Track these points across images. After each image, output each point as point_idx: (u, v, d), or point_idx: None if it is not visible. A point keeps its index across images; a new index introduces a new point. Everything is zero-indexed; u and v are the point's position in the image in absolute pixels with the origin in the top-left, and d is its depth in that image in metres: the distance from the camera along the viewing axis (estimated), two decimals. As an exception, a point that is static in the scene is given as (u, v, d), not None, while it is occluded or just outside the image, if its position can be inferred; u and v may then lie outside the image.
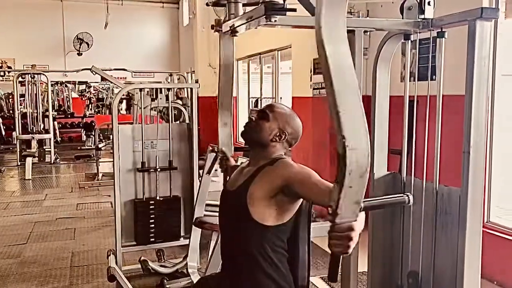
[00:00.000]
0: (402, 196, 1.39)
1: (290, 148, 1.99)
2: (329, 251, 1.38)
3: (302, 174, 1.74)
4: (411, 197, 1.41)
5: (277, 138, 1.90)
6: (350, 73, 1.22)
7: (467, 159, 2.02)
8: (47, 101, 10.61)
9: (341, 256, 1.37)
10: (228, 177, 2.47)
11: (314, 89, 5.82)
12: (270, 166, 1.85)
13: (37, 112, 10.20)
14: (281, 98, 7.96)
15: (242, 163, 2.09)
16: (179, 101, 8.75)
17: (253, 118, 1.95)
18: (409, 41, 2.37)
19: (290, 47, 7.00)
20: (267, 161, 1.88)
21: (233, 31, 2.14)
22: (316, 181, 1.69)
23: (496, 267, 3.68)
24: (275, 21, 1.82)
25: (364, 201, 1.29)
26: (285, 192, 1.75)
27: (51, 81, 11.44)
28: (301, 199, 1.82)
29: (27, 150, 9.78)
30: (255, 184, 1.82)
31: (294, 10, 1.83)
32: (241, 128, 2.03)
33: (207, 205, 3.44)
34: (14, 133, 10.74)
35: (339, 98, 1.21)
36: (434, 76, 2.27)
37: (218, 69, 2.73)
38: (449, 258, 2.18)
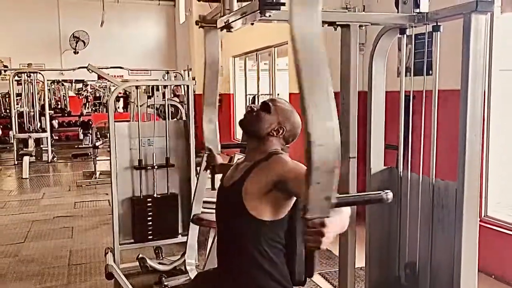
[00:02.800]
0: (379, 193, 1.37)
1: (287, 145, 1.99)
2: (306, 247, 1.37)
3: (295, 171, 1.73)
4: (390, 194, 1.39)
5: (275, 133, 1.90)
6: (320, 68, 1.21)
7: (463, 153, 2.02)
8: (44, 99, 10.58)
9: (315, 251, 1.38)
10: (214, 176, 2.45)
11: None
12: (265, 161, 1.85)
13: (33, 111, 10.18)
14: (278, 94, 7.95)
15: (238, 159, 2.09)
16: (176, 99, 8.75)
17: (255, 108, 1.95)
18: (405, 35, 2.37)
19: (287, 43, 6.99)
20: (262, 156, 1.87)
21: (228, 27, 2.13)
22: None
23: (494, 261, 3.69)
24: (270, 16, 1.81)
25: (339, 197, 1.29)
26: (278, 188, 1.75)
27: (48, 80, 11.40)
28: None
29: (24, 149, 9.76)
30: (250, 180, 1.82)
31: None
32: (238, 126, 2.03)
33: (205, 202, 3.43)
34: (11, 132, 10.71)
35: (307, 93, 1.20)
36: (430, 71, 2.28)
37: (204, 65, 2.70)
38: (446, 253, 2.19)
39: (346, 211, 1.46)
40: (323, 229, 1.30)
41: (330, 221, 1.31)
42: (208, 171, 2.67)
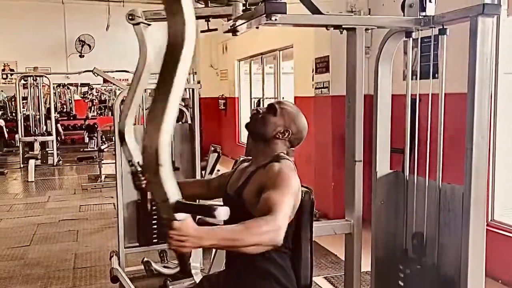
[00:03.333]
0: (212, 205, 1.32)
1: (292, 148, 1.97)
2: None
3: (273, 183, 1.69)
4: (222, 210, 1.33)
5: (280, 135, 1.89)
6: (168, 71, 1.23)
7: (470, 157, 2.01)
8: (50, 103, 10.63)
9: (181, 252, 1.42)
10: (145, 196, 2.30)
11: (316, 88, 5.81)
12: (262, 169, 1.82)
13: (39, 115, 10.22)
14: (283, 98, 7.95)
15: (243, 160, 2.07)
16: (182, 102, 8.76)
17: (261, 110, 1.94)
18: (411, 39, 2.36)
19: (292, 47, 7.00)
20: (268, 159, 1.86)
21: (234, 30, 2.13)
22: (274, 195, 1.63)
23: (501, 265, 3.66)
24: (276, 20, 1.81)
25: (177, 202, 1.30)
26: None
27: (53, 83, 11.46)
28: (297, 202, 1.79)
29: (30, 152, 9.80)
30: (248, 188, 1.81)
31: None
32: (243, 129, 2.01)
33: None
34: (17, 135, 10.76)
35: (154, 94, 1.25)
36: (436, 74, 2.27)
37: (140, 64, 2.44)
38: (453, 257, 2.17)
39: (249, 231, 1.49)
40: (172, 231, 1.33)
41: (176, 224, 1.33)
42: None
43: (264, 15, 1.80)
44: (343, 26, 2.27)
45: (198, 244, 1.40)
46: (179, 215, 1.33)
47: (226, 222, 1.97)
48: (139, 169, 1.98)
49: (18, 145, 10.42)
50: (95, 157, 8.86)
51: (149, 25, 2.18)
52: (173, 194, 1.30)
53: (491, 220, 3.87)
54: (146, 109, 5.41)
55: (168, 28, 1.23)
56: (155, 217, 3.87)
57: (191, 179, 2.62)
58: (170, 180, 1.28)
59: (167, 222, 1.34)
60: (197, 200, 2.25)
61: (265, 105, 2.00)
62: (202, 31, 2.42)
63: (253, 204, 1.73)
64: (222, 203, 2.00)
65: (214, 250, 3.40)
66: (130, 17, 2.18)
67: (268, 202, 1.61)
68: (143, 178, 1.99)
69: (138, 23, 2.21)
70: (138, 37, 2.31)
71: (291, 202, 1.68)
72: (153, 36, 2.35)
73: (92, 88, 14.72)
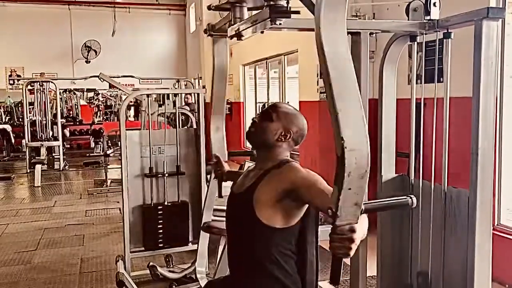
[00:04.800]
0: (405, 198, 1.38)
1: (296, 147, 1.98)
2: (333, 254, 1.37)
3: (309, 180, 1.72)
4: (414, 199, 1.40)
5: (283, 138, 1.89)
6: (349, 74, 1.22)
7: (475, 161, 2.00)
8: (56, 108, 10.69)
9: (343, 259, 1.39)
10: (221, 184, 2.44)
11: (321, 93, 5.81)
12: (276, 169, 1.83)
13: (46, 120, 10.28)
14: (288, 102, 7.95)
15: (249, 166, 2.08)
16: (187, 107, 8.79)
17: (256, 120, 1.94)
18: (415, 43, 2.36)
19: (297, 51, 7.01)
20: (274, 163, 1.86)
21: (238, 35, 2.15)
22: (323, 187, 1.67)
23: (508, 270, 3.64)
24: (280, 24, 1.82)
25: (365, 203, 1.29)
26: (291, 196, 1.74)
27: (60, 89, 11.52)
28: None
29: (36, 158, 9.84)
30: (261, 188, 1.81)
31: (298, 12, 1.83)
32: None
33: (215, 210, 3.43)
34: (23, 140, 10.82)
35: (338, 100, 1.21)
36: (441, 78, 2.26)
37: (212, 73, 2.72)
38: (459, 261, 2.16)
39: (365, 218, 1.46)
40: (352, 235, 1.30)
41: (357, 227, 1.31)
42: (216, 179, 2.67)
43: (269, 19, 1.81)
44: (347, 30, 2.28)
45: (357, 244, 1.37)
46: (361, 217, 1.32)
47: (228, 219, 1.99)
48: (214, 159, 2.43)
49: (25, 150, 10.48)
50: (101, 162, 8.91)
51: (230, 38, 2.36)
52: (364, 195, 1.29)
53: (497, 225, 3.85)
54: (151, 114, 5.44)
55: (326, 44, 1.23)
56: (161, 221, 3.89)
57: (235, 170, 2.68)
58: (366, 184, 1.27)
59: (344, 228, 1.30)
60: None
61: (265, 108, 2.01)
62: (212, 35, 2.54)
63: (267, 202, 1.76)
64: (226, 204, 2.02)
65: (219, 254, 3.40)
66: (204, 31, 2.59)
67: (323, 194, 1.61)
68: (218, 169, 2.43)
69: (211, 35, 2.47)
70: (213, 49, 2.62)
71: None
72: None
73: (98, 94, 14.78)
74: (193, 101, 10.03)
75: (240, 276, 1.90)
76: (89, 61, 14.71)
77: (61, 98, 12.47)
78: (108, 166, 8.31)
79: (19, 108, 13.08)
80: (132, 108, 13.93)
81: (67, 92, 14.16)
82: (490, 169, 2.04)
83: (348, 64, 1.22)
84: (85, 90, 14.36)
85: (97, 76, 8.48)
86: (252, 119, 1.97)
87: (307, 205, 1.81)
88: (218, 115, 2.72)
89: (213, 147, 2.65)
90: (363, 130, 1.22)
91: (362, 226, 1.37)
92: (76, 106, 14.62)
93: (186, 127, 4.92)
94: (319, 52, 1.21)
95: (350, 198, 1.26)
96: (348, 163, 1.22)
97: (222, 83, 2.71)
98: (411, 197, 1.39)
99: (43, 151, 9.98)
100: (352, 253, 1.32)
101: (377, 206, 1.33)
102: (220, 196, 3.02)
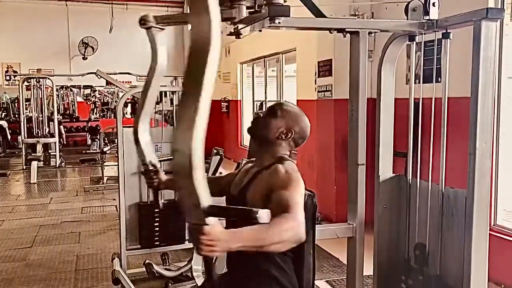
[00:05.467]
0: (251, 209, 1.31)
1: (296, 148, 1.97)
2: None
3: (283, 183, 1.69)
4: (263, 213, 1.32)
5: (283, 136, 1.89)
6: (197, 73, 1.20)
7: (473, 161, 2.01)
8: (52, 105, 10.66)
9: (210, 257, 1.40)
10: (157, 193, 2.27)
11: (318, 92, 5.81)
12: (266, 170, 1.83)
13: (42, 116, 10.24)
14: (286, 101, 7.94)
15: (246, 163, 2.07)
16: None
17: (261, 114, 1.94)
18: (414, 42, 2.36)
19: (295, 50, 7.00)
20: (271, 161, 1.86)
21: (237, 33, 2.14)
22: (287, 194, 1.63)
23: (504, 270, 3.65)
24: (279, 23, 1.81)
25: (210, 206, 1.28)
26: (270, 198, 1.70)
27: (57, 85, 11.48)
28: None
29: (33, 154, 9.82)
30: (251, 189, 1.82)
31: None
32: (245, 132, 2.02)
33: (212, 208, 3.42)
34: (19, 137, 10.79)
35: (182, 97, 1.23)
36: (439, 78, 2.26)
37: (150, 68, 2.44)
38: (456, 261, 2.16)
39: (277, 230, 1.46)
40: (202, 237, 1.30)
41: (207, 229, 1.30)
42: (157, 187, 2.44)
43: (268, 18, 1.80)
44: (346, 30, 2.28)
45: (227, 247, 1.37)
46: (209, 220, 1.30)
47: (227, 222, 1.98)
48: (151, 168, 2.10)
49: (21, 146, 10.45)
50: (97, 159, 8.88)
51: (162, 29, 2.19)
52: (206, 198, 1.28)
53: (494, 225, 3.86)
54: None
55: (192, 29, 1.20)
56: (158, 219, 3.87)
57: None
58: (202, 184, 1.26)
59: (196, 227, 1.31)
60: None
61: (266, 107, 2.01)
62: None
63: (256, 204, 1.73)
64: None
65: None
66: (142, 22, 2.19)
67: (282, 201, 1.61)
68: (155, 177, 2.12)
69: (149, 27, 2.21)
70: (150, 41, 2.35)
71: (302, 200, 1.68)
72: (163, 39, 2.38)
73: (95, 90, 14.76)
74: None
75: (236, 274, 1.90)
76: (86, 58, 14.65)
77: (57, 95, 12.44)
78: (105, 163, 8.29)
79: (16, 104, 13.03)
80: (129, 105, 13.89)
81: (64, 89, 14.12)
82: (487, 169, 2.04)
83: (201, 69, 1.18)
84: (82, 86, 14.34)
85: (94, 73, 8.46)
86: (257, 113, 1.97)
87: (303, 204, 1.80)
88: (147, 115, 2.36)
89: (143, 153, 2.18)
90: (189, 128, 1.19)
91: (236, 232, 1.39)
92: (73, 103, 14.59)
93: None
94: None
95: (186, 198, 1.27)
96: (173, 162, 1.24)
97: (157, 80, 2.42)
98: (257, 211, 1.32)
99: (39, 147, 9.95)
100: (207, 253, 1.33)
101: (217, 211, 1.29)
102: (156, 204, 2.78)
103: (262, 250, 1.49)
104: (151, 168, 2.14)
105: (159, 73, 2.33)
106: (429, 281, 2.29)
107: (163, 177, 2.22)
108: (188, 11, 1.21)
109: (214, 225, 1.33)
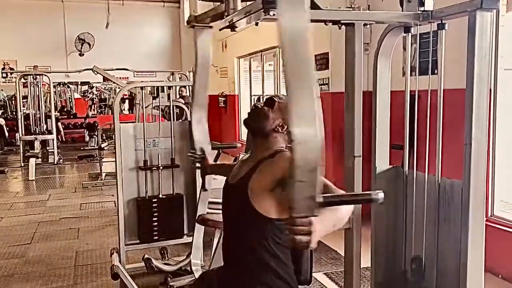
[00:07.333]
0: (369, 193, 1.34)
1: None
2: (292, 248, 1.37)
3: None
4: (381, 194, 1.36)
5: (279, 128, 1.89)
6: (305, 67, 1.20)
7: (469, 152, 2.01)
8: (50, 102, 10.63)
9: (307, 251, 1.38)
10: (205, 177, 2.42)
11: (315, 85, 5.81)
12: (270, 159, 1.84)
13: (39, 113, 10.22)
14: (283, 95, 7.94)
15: (242, 156, 2.09)
16: (181, 100, 8.76)
17: (259, 105, 1.95)
18: (410, 34, 2.36)
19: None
20: (268, 153, 1.87)
21: (232, 26, 2.13)
22: None
23: (501, 261, 3.67)
24: (274, 14, 1.81)
25: (324, 196, 1.28)
26: (281, 185, 1.73)
27: (54, 82, 11.45)
28: None
29: (30, 151, 9.81)
30: (255, 177, 1.82)
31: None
32: (243, 127, 2.04)
33: (210, 202, 3.43)
34: (17, 134, 10.77)
35: (290, 92, 1.20)
36: (435, 70, 2.26)
37: (195, 64, 2.65)
38: (452, 252, 2.17)
39: (344, 208, 1.46)
40: (309, 228, 1.30)
41: (317, 220, 1.31)
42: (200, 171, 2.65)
43: (262, 10, 1.80)
44: (341, 21, 2.27)
45: (320, 236, 1.36)
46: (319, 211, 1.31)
47: (224, 209, 1.99)
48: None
49: (19, 143, 10.43)
50: (95, 155, 8.87)
51: (210, 27, 2.31)
52: (320, 190, 1.29)
53: (491, 216, 3.87)
54: (145, 107, 5.41)
55: (283, 24, 1.18)
56: (156, 214, 3.88)
57: (220, 163, 2.64)
58: (319, 178, 1.26)
59: (298, 220, 1.30)
60: None
61: (264, 99, 2.01)
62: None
63: (259, 191, 1.76)
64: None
65: (214, 246, 3.41)
66: (187, 22, 2.52)
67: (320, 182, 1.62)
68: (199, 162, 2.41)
69: (192, 26, 2.40)
70: (194, 39, 2.56)
71: None
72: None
73: (92, 87, 14.71)
74: (188, 94, 10.00)
75: (234, 265, 1.90)
76: (83, 54, 14.62)
77: (55, 92, 12.39)
78: (103, 160, 8.29)
79: (13, 101, 13.00)
80: (127, 101, 13.87)
81: (61, 85, 14.07)
82: (484, 160, 2.04)
83: (306, 57, 1.19)
84: (79, 83, 14.30)
85: (91, 69, 8.44)
86: (254, 104, 1.97)
87: None
88: (200, 107, 2.62)
89: (196, 140, 2.55)
90: (314, 122, 1.20)
91: (326, 219, 1.38)
92: (70, 100, 14.54)
93: (180, 120, 4.90)
94: (280, 45, 1.19)
95: (303, 191, 1.25)
96: (296, 156, 1.21)
97: (205, 75, 2.63)
98: (377, 193, 1.36)
99: (37, 144, 9.94)
100: (312, 245, 1.32)
101: (337, 200, 1.30)
102: (204, 189, 2.97)
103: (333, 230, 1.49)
104: (199, 153, 2.45)
105: (203, 67, 2.59)
106: (428, 273, 2.31)
107: (210, 162, 2.43)
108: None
109: (323, 215, 1.34)
